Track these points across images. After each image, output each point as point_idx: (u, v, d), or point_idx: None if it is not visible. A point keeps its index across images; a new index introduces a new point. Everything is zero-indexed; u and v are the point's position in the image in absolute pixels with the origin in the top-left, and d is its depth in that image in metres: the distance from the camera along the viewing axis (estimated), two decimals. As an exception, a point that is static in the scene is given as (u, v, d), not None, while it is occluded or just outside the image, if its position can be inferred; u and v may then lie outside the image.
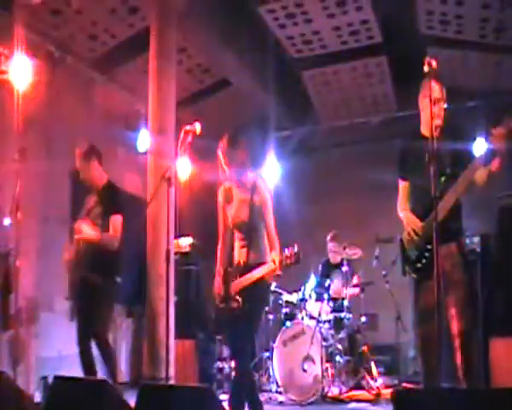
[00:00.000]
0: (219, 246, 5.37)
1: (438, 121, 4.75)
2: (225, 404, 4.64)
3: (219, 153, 5.10)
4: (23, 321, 7.49)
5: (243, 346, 5.06)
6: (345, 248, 8.45)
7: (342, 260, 8.58)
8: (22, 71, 6.80)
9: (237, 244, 5.17)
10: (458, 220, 4.91)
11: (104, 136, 8.98)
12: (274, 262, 4.82)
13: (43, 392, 7.08)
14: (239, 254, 5.14)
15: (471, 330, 4.70)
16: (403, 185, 5.28)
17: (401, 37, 8.99)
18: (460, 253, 4.78)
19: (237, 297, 5.04)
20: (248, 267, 5.01)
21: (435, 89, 4.68)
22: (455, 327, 4.55)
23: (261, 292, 5.15)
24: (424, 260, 4.76)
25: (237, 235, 5.18)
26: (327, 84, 10.35)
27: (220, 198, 5.30)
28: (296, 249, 4.76)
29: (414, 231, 4.87)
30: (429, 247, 4.61)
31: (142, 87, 7.82)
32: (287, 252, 4.80)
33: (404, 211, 5.17)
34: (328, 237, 9.01)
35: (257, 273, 4.92)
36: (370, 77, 10.09)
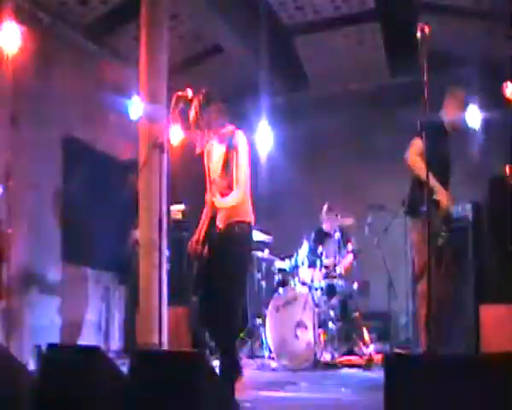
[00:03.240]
0: (206, 207, 5.36)
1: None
2: (218, 370, 4.68)
3: (192, 111, 5.07)
4: (16, 290, 7.49)
5: (223, 314, 4.94)
6: (337, 216, 8.47)
7: (335, 228, 8.60)
8: (12, 38, 6.73)
9: (216, 198, 5.11)
10: None
11: (95, 103, 8.95)
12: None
13: (36, 360, 7.10)
14: (209, 209, 5.19)
15: None
16: (419, 144, 5.35)
17: (394, 3, 8.93)
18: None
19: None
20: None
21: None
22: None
23: (237, 245, 5.03)
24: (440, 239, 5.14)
25: (214, 188, 5.14)
26: (319, 51, 10.27)
27: (205, 158, 5.30)
28: None
29: (448, 203, 5.31)
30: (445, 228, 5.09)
31: (134, 54, 7.76)
32: None
33: (423, 171, 4.99)
34: (324, 209, 9.00)
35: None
36: (363, 43, 10.02)
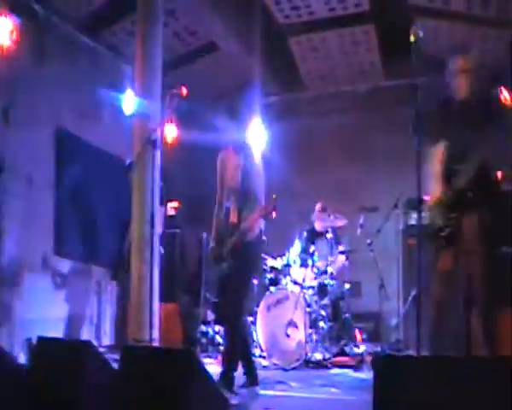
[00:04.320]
0: (215, 213, 5.55)
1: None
2: (208, 368, 4.69)
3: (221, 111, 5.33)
4: (7, 283, 7.48)
5: (232, 309, 5.27)
6: (329, 216, 8.49)
7: (327, 228, 8.61)
8: (6, 30, 6.72)
9: (232, 209, 5.34)
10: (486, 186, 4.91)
11: (89, 98, 8.93)
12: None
13: (27, 354, 7.10)
14: (232, 217, 5.31)
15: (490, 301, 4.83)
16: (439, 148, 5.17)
17: (388, 6, 8.95)
18: (481, 223, 4.81)
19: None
20: (239, 228, 5.23)
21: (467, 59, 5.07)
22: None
23: (248, 253, 5.42)
24: (448, 230, 4.85)
25: (231, 199, 5.35)
26: (314, 51, 10.28)
27: (219, 164, 5.47)
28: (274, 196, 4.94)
29: (439, 197, 4.94)
30: (454, 215, 4.78)
31: (129, 49, 7.75)
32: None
33: (438, 176, 5.06)
34: (317, 208, 9.00)
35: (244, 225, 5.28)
36: (358, 45, 10.03)
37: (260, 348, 7.71)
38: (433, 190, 5.05)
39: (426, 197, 5.08)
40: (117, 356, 3.54)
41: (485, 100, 4.98)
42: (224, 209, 5.59)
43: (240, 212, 5.33)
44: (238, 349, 5.54)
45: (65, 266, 8.66)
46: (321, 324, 7.81)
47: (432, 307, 4.98)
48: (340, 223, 8.56)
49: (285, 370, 7.27)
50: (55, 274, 8.43)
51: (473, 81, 5.09)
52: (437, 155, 5.16)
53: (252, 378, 5.68)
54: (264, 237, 5.79)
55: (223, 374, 5.36)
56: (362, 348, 7.99)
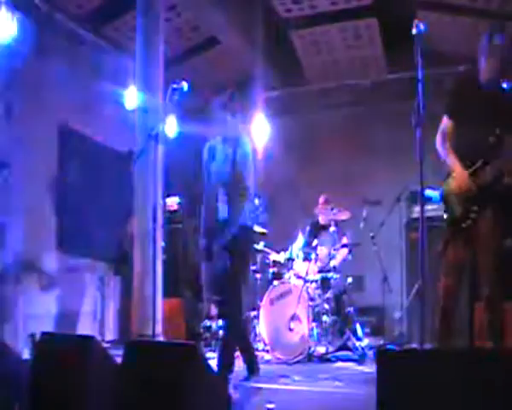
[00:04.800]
0: (203, 205, 5.39)
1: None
2: (212, 362, 4.69)
3: (217, 105, 5.15)
4: (11, 279, 7.49)
5: (231, 303, 5.18)
6: (332, 210, 8.48)
7: (330, 221, 8.59)
8: (8, 26, 6.72)
9: (220, 201, 5.18)
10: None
11: (92, 93, 8.93)
12: None
13: (31, 349, 7.11)
14: (221, 211, 5.17)
15: (499, 294, 4.71)
16: (448, 124, 4.98)
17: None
18: (497, 218, 4.71)
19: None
20: (229, 222, 5.10)
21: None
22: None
23: (241, 246, 5.27)
24: (469, 222, 4.71)
25: (220, 191, 5.18)
26: (316, 45, 10.27)
27: (205, 155, 5.30)
28: None
29: (465, 186, 4.73)
30: (475, 208, 4.65)
31: (131, 44, 7.75)
32: None
33: (450, 154, 4.89)
34: (320, 200, 8.98)
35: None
36: (360, 39, 10.01)
37: (263, 341, 7.71)
38: (457, 176, 4.81)
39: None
40: (120, 351, 3.54)
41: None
42: (212, 203, 5.38)
43: (229, 205, 5.19)
44: (234, 347, 5.50)
45: (68, 261, 8.68)
46: (324, 317, 7.80)
47: (441, 298, 4.86)
48: (344, 216, 8.53)
49: (288, 364, 7.27)
50: (58, 270, 8.44)
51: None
52: (446, 128, 5.01)
53: (252, 368, 5.65)
54: (254, 226, 5.62)
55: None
56: (365, 342, 7.98)
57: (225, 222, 5.20)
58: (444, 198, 4.95)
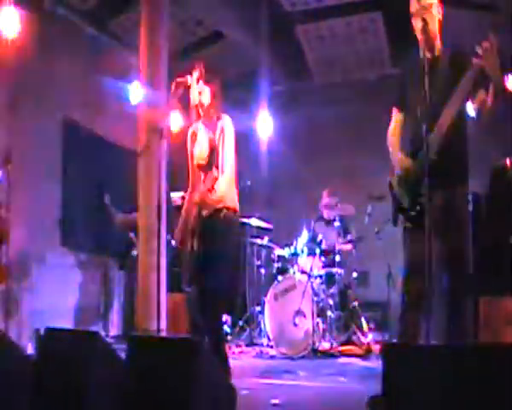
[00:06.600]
0: (188, 190, 5.11)
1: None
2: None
3: (191, 78, 4.99)
4: (15, 274, 7.49)
5: (209, 306, 4.97)
6: (337, 205, 8.46)
7: (335, 216, 8.58)
8: (12, 21, 6.70)
9: (201, 186, 4.91)
10: (460, 159, 4.33)
11: (96, 88, 8.92)
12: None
13: (35, 344, 7.12)
14: (199, 195, 4.89)
15: (461, 287, 4.21)
16: (397, 117, 4.84)
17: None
18: (455, 200, 4.25)
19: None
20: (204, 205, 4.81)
21: None
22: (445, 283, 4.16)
23: (219, 231, 4.82)
24: (418, 208, 4.24)
25: (201, 176, 4.93)
26: (321, 39, 10.25)
27: (188, 141, 5.10)
28: None
29: (405, 172, 4.42)
30: (422, 191, 4.02)
31: (135, 39, 7.73)
32: None
33: (394, 148, 4.67)
34: (325, 194, 8.97)
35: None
36: (365, 32, 9.99)
37: (268, 337, 7.71)
38: (396, 164, 4.58)
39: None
40: (124, 346, 3.53)
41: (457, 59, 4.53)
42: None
43: (208, 188, 4.76)
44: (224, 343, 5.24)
45: (72, 257, 8.69)
46: (328, 313, 7.79)
47: (410, 306, 4.50)
48: (348, 211, 8.53)
49: (293, 359, 7.27)
50: (63, 265, 8.44)
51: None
52: (393, 123, 4.84)
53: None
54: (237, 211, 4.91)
55: None
56: (369, 337, 7.97)
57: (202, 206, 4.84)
58: (392, 196, 4.70)
